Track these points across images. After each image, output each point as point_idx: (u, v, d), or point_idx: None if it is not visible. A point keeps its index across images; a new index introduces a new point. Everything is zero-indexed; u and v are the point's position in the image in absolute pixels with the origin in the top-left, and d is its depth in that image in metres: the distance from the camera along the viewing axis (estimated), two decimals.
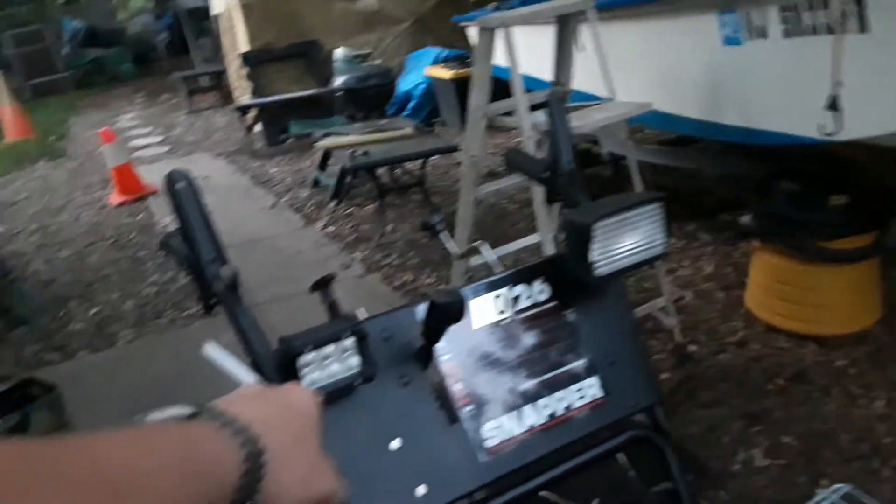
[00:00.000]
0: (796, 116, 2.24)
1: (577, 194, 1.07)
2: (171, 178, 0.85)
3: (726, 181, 3.58)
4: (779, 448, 2.37)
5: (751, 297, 3.11)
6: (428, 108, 7.34)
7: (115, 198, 6.41)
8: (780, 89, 2.39)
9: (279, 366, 0.84)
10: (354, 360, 0.86)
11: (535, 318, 1.04)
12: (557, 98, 1.02)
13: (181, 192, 0.85)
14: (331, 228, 5.09)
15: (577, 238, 0.92)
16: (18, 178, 7.96)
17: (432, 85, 7.19)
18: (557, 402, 1.03)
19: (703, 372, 2.79)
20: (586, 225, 0.90)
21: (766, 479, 2.25)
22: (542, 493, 1.34)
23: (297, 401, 0.62)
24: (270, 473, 0.52)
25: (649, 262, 0.99)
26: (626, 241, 0.95)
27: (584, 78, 2.83)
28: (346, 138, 5.01)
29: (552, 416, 1.02)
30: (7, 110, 10.12)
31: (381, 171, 4.94)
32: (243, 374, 0.72)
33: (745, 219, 2.86)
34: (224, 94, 10.64)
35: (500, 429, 0.99)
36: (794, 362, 2.76)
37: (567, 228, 0.95)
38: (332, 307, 0.99)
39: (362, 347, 0.86)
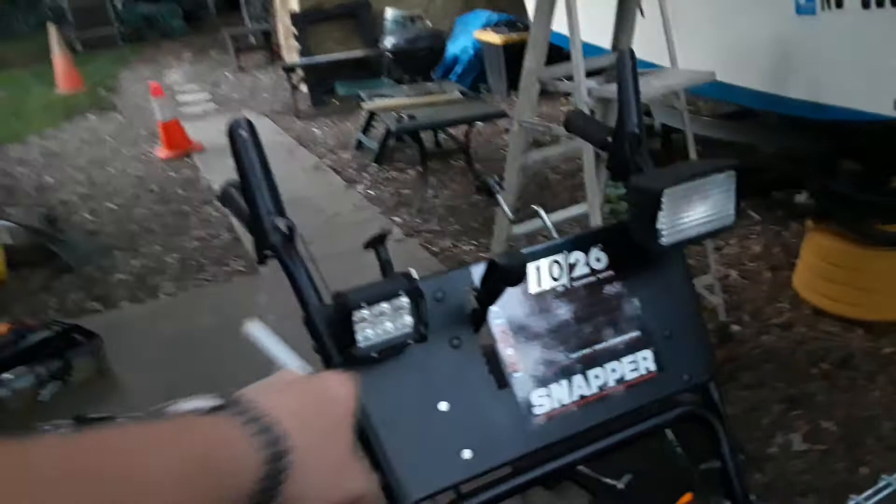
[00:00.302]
0: (871, 92, 2.14)
1: (641, 161, 1.03)
2: (233, 126, 0.84)
3: (782, 158, 3.47)
4: (819, 433, 2.32)
5: (799, 279, 3.03)
6: (474, 73, 7.24)
7: (161, 152, 6.49)
8: (855, 63, 2.28)
9: (333, 321, 0.83)
10: (408, 319, 0.84)
11: (591, 287, 1.01)
12: (628, 56, 0.98)
13: (242, 140, 0.84)
14: (372, 192, 5.09)
15: (645, 204, 0.89)
16: (68, 130, 8.10)
17: (480, 50, 7.08)
18: (609, 374, 1.00)
19: (746, 353, 2.74)
20: (657, 191, 0.86)
21: (804, 463, 2.22)
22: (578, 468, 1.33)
23: (335, 391, 0.58)
24: (294, 475, 0.49)
25: (716, 233, 0.95)
26: (694, 209, 0.91)
27: (641, 45, 2.73)
28: (392, 101, 4.97)
29: (603, 387, 1.00)
30: (60, 62, 10.27)
31: (424, 135, 4.90)
32: (284, 356, 0.69)
33: (801, 197, 2.78)
34: (272, 53, 10.64)
35: (550, 397, 0.97)
36: (840, 347, 2.70)
37: (633, 194, 0.92)
38: (385, 266, 0.98)
39: (416, 307, 0.84)
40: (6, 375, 2.88)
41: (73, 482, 0.37)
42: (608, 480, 2.18)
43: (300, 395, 0.56)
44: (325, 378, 0.60)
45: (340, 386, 0.59)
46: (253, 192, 0.86)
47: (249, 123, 0.84)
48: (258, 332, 0.71)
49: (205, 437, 0.46)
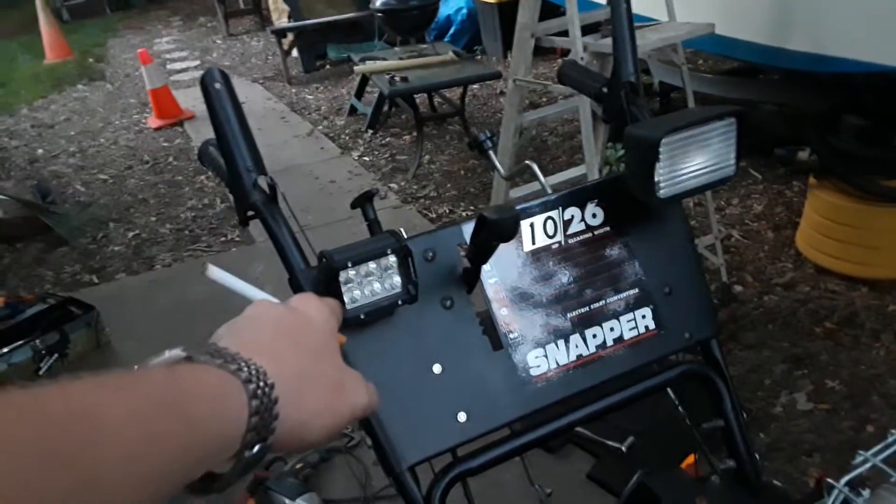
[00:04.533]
0: (878, 43, 2.07)
1: (638, 110, 0.98)
2: (206, 78, 0.79)
3: (784, 115, 3.40)
4: (823, 392, 2.30)
5: (802, 238, 2.99)
6: (469, 34, 7.11)
7: (152, 121, 6.40)
8: (861, 12, 2.19)
9: (319, 282, 0.80)
10: (397, 280, 0.81)
11: (587, 244, 0.98)
12: (623, 0, 0.92)
13: (216, 92, 0.79)
14: (367, 158, 5.02)
15: (642, 155, 0.84)
16: (58, 100, 7.98)
17: (474, 10, 6.94)
18: (607, 333, 0.97)
19: (749, 313, 2.71)
20: (655, 139, 0.81)
21: (808, 423, 2.20)
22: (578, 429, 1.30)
23: (308, 313, 0.56)
24: (285, 409, 0.47)
25: (717, 184, 0.91)
26: (694, 159, 0.87)
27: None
28: (384, 63, 4.85)
29: (601, 346, 0.97)
30: (47, 31, 10.08)
31: (419, 98, 4.81)
32: (250, 291, 0.67)
33: (804, 154, 2.72)
34: (262, 18, 10.46)
35: (546, 358, 0.94)
36: (844, 306, 2.67)
37: (630, 144, 0.87)
38: (373, 225, 0.94)
39: (405, 266, 0.80)
40: (3, 350, 2.86)
41: (23, 421, 0.34)
42: (611, 443, 2.18)
43: (274, 326, 0.53)
44: (295, 302, 0.58)
45: (314, 305, 0.57)
46: (231, 149, 0.82)
47: (224, 74, 0.80)
48: (219, 273, 0.69)
49: (174, 382, 0.43)
